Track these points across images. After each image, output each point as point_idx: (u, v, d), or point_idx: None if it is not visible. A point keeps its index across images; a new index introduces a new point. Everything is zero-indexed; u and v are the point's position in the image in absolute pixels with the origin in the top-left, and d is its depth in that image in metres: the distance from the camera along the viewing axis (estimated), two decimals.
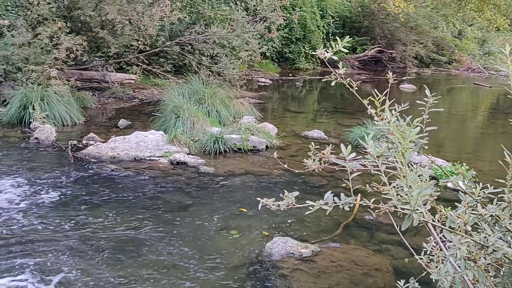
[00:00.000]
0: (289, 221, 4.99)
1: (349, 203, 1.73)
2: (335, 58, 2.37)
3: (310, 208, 1.73)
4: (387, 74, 2.37)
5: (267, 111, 10.98)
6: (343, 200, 1.74)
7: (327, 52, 2.23)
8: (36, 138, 7.34)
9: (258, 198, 1.86)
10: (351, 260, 4.19)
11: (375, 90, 2.16)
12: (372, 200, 1.90)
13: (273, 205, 1.78)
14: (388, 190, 1.71)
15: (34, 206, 4.99)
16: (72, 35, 9.10)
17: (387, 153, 1.85)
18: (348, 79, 2.32)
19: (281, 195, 1.85)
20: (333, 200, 1.75)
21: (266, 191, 5.74)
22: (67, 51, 8.87)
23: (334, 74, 2.29)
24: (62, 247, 4.17)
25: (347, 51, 2.82)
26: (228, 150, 7.29)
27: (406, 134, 1.61)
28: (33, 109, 8.06)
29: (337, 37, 2.48)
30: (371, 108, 2.21)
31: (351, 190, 1.78)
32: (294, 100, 14.12)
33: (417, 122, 1.75)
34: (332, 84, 2.35)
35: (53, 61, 8.82)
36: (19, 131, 7.86)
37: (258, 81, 15.43)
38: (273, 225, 4.89)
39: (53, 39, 8.88)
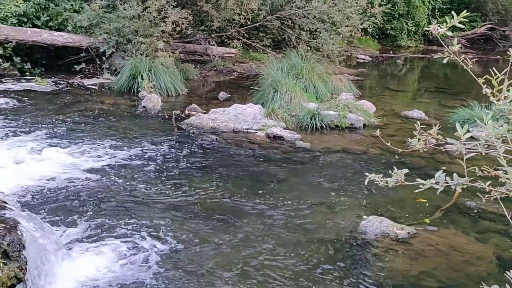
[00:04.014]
0: (385, 201, 4.91)
1: (462, 184, 1.68)
2: (449, 34, 2.26)
3: (420, 186, 1.70)
4: (497, 54, 2.23)
5: (366, 88, 10.74)
6: (456, 180, 1.69)
7: (441, 28, 2.14)
8: (144, 106, 7.81)
9: (366, 173, 1.86)
10: (450, 246, 4.04)
11: (493, 69, 2.04)
12: (487, 184, 1.82)
13: (381, 181, 1.77)
14: (507, 173, 1.62)
15: (140, 171, 5.34)
16: (178, 8, 9.45)
17: (506, 135, 1.76)
18: (463, 56, 2.22)
19: (390, 171, 1.83)
20: (445, 180, 1.70)
21: (363, 170, 5.66)
22: (173, 24, 9.25)
23: (447, 51, 2.19)
24: (162, 211, 4.42)
25: (463, 26, 2.67)
26: (324, 126, 7.25)
27: None
28: (142, 79, 8.55)
29: (453, 12, 2.37)
30: (486, 87, 2.10)
31: (465, 171, 1.72)
32: (394, 78, 13.65)
33: None
34: (444, 61, 2.27)
35: (160, 33, 9.24)
36: (128, 99, 8.40)
37: (357, 58, 15.08)
38: (369, 204, 4.84)
39: (161, 12, 9.28)
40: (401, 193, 5.01)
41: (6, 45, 8.99)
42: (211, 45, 11.75)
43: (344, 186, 5.23)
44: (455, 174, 1.75)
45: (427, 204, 4.83)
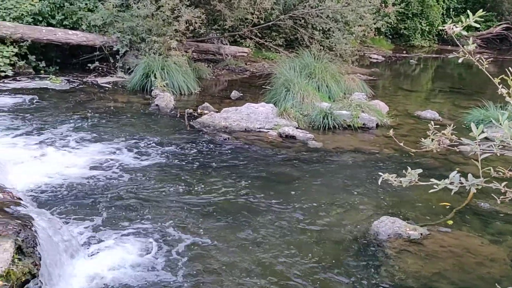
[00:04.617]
0: (398, 201, 4.88)
1: (477, 184, 1.66)
2: (464, 33, 2.24)
3: (434, 186, 1.69)
4: None
5: (379, 88, 10.69)
6: (471, 181, 1.67)
7: (456, 27, 2.12)
8: (157, 105, 7.85)
9: (380, 173, 1.85)
10: (464, 247, 4.00)
11: (509, 69, 2.02)
12: (502, 185, 1.80)
13: (395, 181, 1.76)
14: None
15: (152, 168, 5.36)
16: (191, 8, 9.47)
17: None
18: (478, 56, 2.20)
19: (403, 171, 1.82)
20: (460, 180, 1.68)
21: (376, 170, 5.63)
22: (186, 24, 9.28)
23: (462, 51, 2.17)
24: (176, 209, 4.44)
25: (478, 26, 2.65)
26: (337, 126, 7.23)
27: None
28: (155, 77, 8.60)
29: (468, 12, 2.35)
30: (502, 87, 2.08)
31: (480, 172, 1.70)
32: (407, 78, 13.58)
33: None
34: (459, 61, 2.24)
35: (173, 32, 9.28)
36: (141, 97, 8.46)
37: (370, 58, 15.03)
38: (381, 205, 4.82)
39: (174, 11, 9.32)
40: (415, 193, 4.98)
41: (21, 44, 9.10)
42: (224, 44, 11.79)
43: (357, 186, 5.21)
44: (469, 175, 1.73)
45: (443, 206, 4.79)
